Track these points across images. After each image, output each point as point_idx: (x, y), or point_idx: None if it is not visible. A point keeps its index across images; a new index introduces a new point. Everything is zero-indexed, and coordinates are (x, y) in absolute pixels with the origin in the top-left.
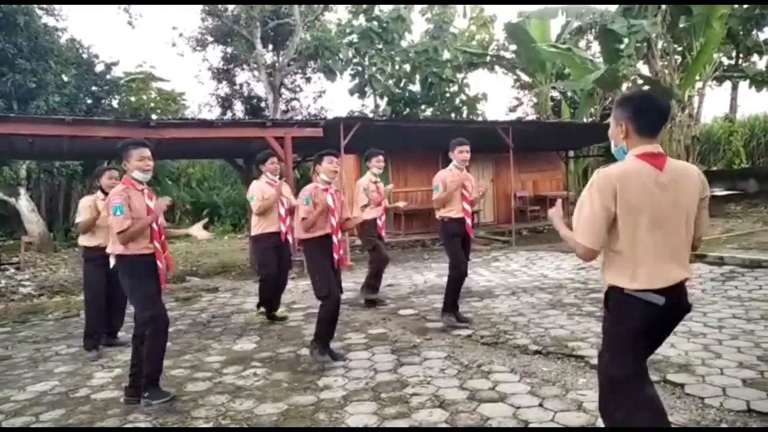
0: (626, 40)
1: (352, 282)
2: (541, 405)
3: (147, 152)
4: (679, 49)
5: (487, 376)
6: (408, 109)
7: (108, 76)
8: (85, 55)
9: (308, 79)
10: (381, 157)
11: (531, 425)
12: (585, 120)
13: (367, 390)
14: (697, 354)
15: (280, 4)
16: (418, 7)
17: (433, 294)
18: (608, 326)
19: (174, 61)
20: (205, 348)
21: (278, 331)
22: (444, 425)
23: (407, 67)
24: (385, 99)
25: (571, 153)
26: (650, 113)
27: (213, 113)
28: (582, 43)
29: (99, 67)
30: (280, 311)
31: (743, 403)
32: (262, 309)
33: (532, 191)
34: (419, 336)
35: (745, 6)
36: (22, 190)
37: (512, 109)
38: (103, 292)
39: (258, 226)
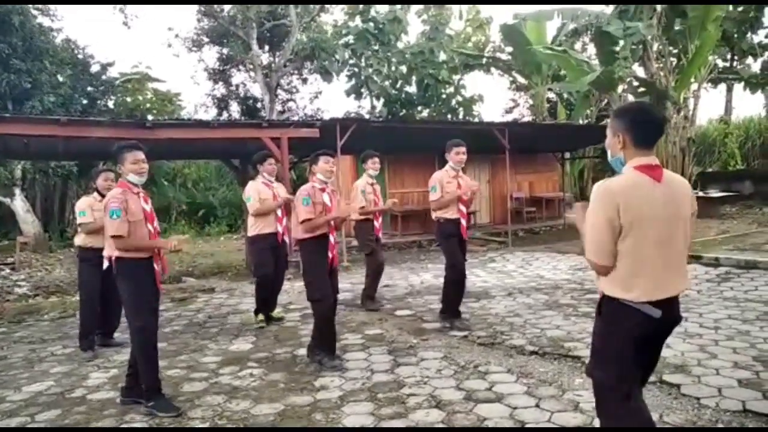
0: (622, 43)
1: (348, 283)
2: (537, 405)
3: (141, 155)
4: (675, 51)
5: (484, 377)
6: (404, 111)
7: (103, 77)
8: (80, 56)
9: (304, 80)
10: (377, 159)
11: (528, 426)
12: (581, 122)
13: (363, 390)
14: (693, 354)
15: (277, 5)
16: (414, 9)
17: (429, 295)
18: (599, 333)
19: (170, 61)
20: (201, 348)
21: (275, 332)
22: (441, 425)
23: (403, 68)
24: (382, 100)
25: (567, 154)
26: (647, 125)
27: (209, 114)
28: (578, 45)
29: (94, 68)
30: (277, 312)
31: (739, 403)
32: (261, 317)
33: (528, 192)
34: (416, 336)
35: (740, 8)
36: (17, 191)
37: (508, 111)
38: (99, 292)
39: (254, 227)
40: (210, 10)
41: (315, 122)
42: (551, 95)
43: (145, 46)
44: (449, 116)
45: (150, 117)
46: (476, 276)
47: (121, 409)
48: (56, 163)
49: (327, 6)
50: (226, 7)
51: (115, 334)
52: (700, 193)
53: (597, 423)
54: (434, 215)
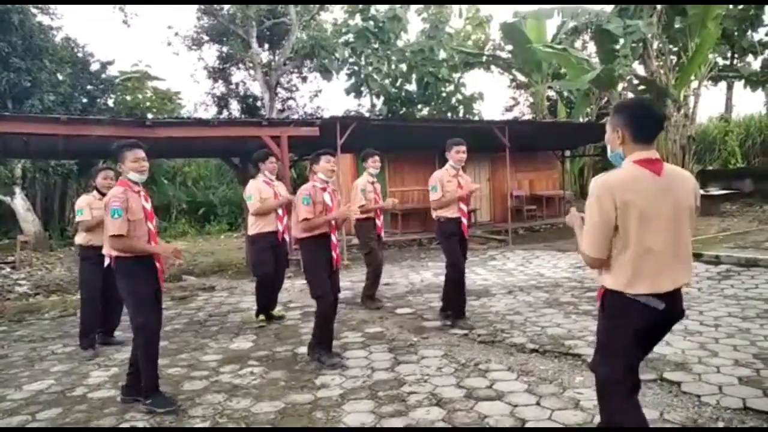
0: (622, 41)
1: (348, 281)
2: (538, 403)
3: (141, 153)
4: (675, 49)
5: (484, 375)
6: (404, 109)
7: (103, 75)
8: (80, 54)
9: (304, 79)
10: (377, 157)
11: (528, 424)
12: (581, 120)
13: (364, 388)
14: (694, 352)
15: (277, 4)
16: (414, 7)
17: (429, 293)
18: (603, 328)
19: (169, 60)
20: (201, 347)
21: (275, 330)
22: (441, 424)
23: (403, 66)
24: (382, 98)
25: (567, 152)
26: (646, 120)
27: (209, 112)
28: (578, 44)
29: (94, 66)
30: (277, 310)
31: (739, 401)
32: (262, 317)
33: (528, 190)
34: (416, 335)
35: (740, 6)
36: (18, 189)
37: (508, 109)
38: (99, 290)
39: (255, 226)
40: (210, 9)
41: (315, 121)
42: (551, 93)
43: (145, 45)
44: (449, 114)
45: (150, 115)
46: (477, 274)
47: (121, 408)
48: (56, 162)
49: (327, 5)
50: (226, 6)
51: (116, 333)
52: (701, 191)
53: (597, 421)
54: (434, 214)
